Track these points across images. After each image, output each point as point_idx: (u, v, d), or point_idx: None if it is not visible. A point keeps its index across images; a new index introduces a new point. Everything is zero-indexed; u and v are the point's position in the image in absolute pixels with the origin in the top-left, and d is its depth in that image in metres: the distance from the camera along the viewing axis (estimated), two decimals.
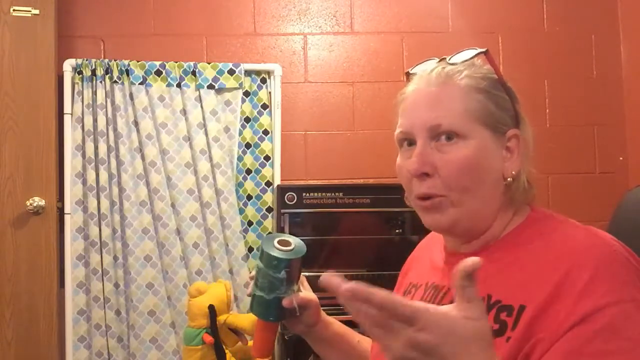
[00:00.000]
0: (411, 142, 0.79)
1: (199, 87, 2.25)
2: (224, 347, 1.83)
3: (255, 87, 2.34)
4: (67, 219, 2.16)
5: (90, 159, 2.18)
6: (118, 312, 2.16)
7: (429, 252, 0.94)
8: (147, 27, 2.37)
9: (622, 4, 2.50)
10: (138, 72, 2.22)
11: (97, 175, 2.17)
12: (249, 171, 2.33)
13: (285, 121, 2.37)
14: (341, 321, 1.00)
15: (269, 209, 2.33)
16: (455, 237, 0.82)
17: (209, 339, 1.81)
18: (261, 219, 2.32)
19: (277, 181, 2.33)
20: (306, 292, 0.95)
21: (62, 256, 2.15)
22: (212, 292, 1.86)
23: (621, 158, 2.47)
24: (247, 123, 2.34)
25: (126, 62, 2.22)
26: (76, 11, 2.34)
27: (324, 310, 0.98)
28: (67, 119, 2.19)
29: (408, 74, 0.86)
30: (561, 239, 0.71)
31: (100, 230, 2.16)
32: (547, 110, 2.47)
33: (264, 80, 2.36)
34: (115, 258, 2.16)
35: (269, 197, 2.33)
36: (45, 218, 2.10)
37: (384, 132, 2.36)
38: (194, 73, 2.25)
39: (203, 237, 2.21)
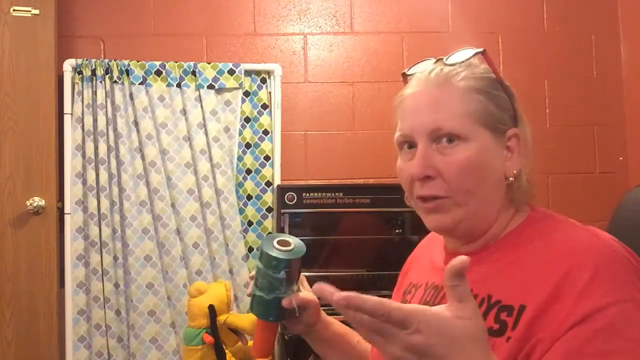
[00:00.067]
0: (411, 145, 0.79)
1: (199, 87, 2.25)
2: (224, 347, 1.83)
3: (255, 87, 2.34)
4: (67, 219, 2.16)
5: (90, 159, 2.18)
6: (118, 312, 2.16)
7: (429, 252, 0.94)
8: (147, 27, 2.37)
9: (622, 4, 2.50)
10: (138, 72, 2.22)
11: (97, 175, 2.17)
12: (249, 171, 2.33)
13: (285, 121, 2.37)
14: (341, 321, 1.00)
15: (269, 209, 2.33)
16: (457, 238, 0.81)
17: (209, 339, 1.81)
18: (261, 219, 2.32)
19: (277, 181, 2.33)
20: (306, 292, 0.95)
21: (62, 256, 2.15)
22: (212, 292, 1.86)
23: (621, 158, 2.47)
24: (247, 123, 2.34)
25: (126, 62, 2.22)
26: (76, 11, 2.34)
27: (323, 310, 0.98)
28: (67, 119, 2.19)
29: (405, 75, 0.86)
30: (561, 239, 0.71)
31: (100, 230, 2.16)
32: (547, 110, 2.47)
33: (264, 80, 2.36)
34: (115, 258, 2.16)
35: (269, 197, 2.33)
36: (45, 218, 2.10)
37: (384, 132, 2.36)
38: (194, 73, 2.25)
39: (203, 237, 2.21)
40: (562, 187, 2.42)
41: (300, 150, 2.40)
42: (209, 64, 2.28)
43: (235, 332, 1.82)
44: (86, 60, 2.20)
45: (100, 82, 2.19)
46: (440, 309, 0.56)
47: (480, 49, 0.80)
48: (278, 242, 0.86)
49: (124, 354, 2.16)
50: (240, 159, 2.32)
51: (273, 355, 2.10)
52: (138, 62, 2.23)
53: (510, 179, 0.78)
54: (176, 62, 2.25)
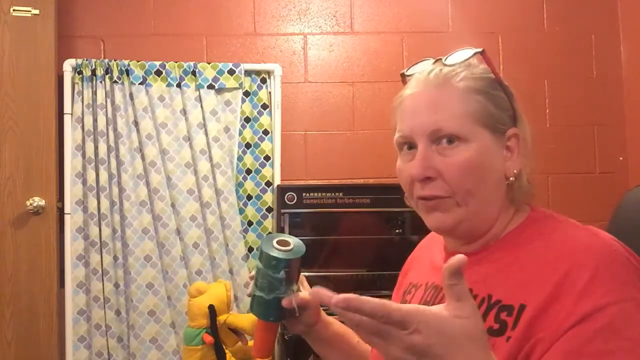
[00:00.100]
0: (411, 146, 0.79)
1: (199, 87, 2.25)
2: (224, 347, 1.83)
3: (255, 87, 2.34)
4: (67, 219, 2.16)
5: (90, 159, 2.18)
6: (118, 312, 2.16)
7: (429, 252, 0.94)
8: (147, 27, 2.37)
9: (622, 4, 2.50)
10: (138, 72, 2.22)
11: (97, 175, 2.17)
12: (249, 171, 2.33)
13: (285, 121, 2.37)
14: (340, 321, 1.00)
15: (269, 209, 2.33)
16: (457, 238, 0.81)
17: (209, 339, 1.81)
18: (261, 219, 2.32)
19: (277, 181, 2.33)
20: (306, 292, 0.95)
21: (62, 256, 2.15)
22: (212, 292, 1.86)
23: (621, 158, 2.47)
24: (247, 123, 2.34)
25: (126, 62, 2.22)
26: (76, 11, 2.34)
27: (323, 310, 0.98)
28: (67, 119, 2.19)
29: (403, 76, 0.86)
30: (561, 239, 0.71)
31: (100, 230, 2.16)
32: (547, 110, 2.47)
33: (264, 80, 2.36)
34: (115, 258, 2.16)
35: (269, 197, 2.33)
36: (45, 218, 2.10)
37: (384, 132, 2.36)
38: (194, 73, 2.25)
39: (203, 237, 2.21)
40: (562, 187, 2.42)
41: (300, 150, 2.40)
42: (209, 64, 2.28)
43: (235, 332, 1.82)
44: (86, 60, 2.20)
45: (100, 82, 2.19)
46: (438, 309, 0.56)
47: (479, 49, 0.79)
48: (278, 242, 0.86)
49: (124, 354, 2.16)
50: (240, 159, 2.32)
51: (273, 355, 2.10)
52: (138, 62, 2.23)
53: (511, 178, 0.78)
54: (176, 62, 2.25)
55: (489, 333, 0.69)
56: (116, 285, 2.16)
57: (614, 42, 2.51)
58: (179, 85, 2.25)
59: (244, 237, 2.27)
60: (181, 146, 2.23)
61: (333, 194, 2.24)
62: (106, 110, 2.19)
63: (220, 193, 2.23)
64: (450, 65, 0.79)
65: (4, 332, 2.07)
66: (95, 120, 2.19)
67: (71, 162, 2.17)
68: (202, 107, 2.25)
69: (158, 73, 2.24)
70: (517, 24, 2.48)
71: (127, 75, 2.21)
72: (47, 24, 2.13)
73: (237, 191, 2.28)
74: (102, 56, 2.33)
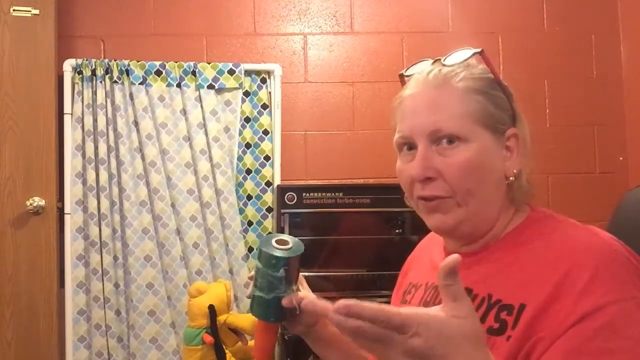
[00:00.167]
0: (411, 146, 0.79)
1: (199, 87, 2.25)
2: (224, 347, 1.83)
3: (255, 87, 2.34)
4: (67, 219, 2.16)
5: (90, 159, 2.18)
6: (118, 312, 2.16)
7: (428, 252, 0.94)
8: (147, 27, 2.37)
9: (622, 4, 2.50)
10: (138, 72, 2.22)
11: (97, 175, 2.17)
12: (249, 171, 2.33)
13: (285, 121, 2.37)
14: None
15: (269, 209, 2.33)
16: (458, 239, 0.81)
17: (209, 339, 1.81)
18: (261, 219, 2.32)
19: (277, 181, 2.33)
20: (305, 292, 0.95)
21: (62, 256, 2.15)
22: (212, 292, 1.86)
23: (621, 158, 2.47)
24: (247, 123, 2.34)
25: (126, 62, 2.22)
26: (76, 11, 2.34)
27: None
28: (67, 119, 2.19)
29: (402, 76, 0.85)
30: (561, 239, 0.71)
31: (100, 230, 2.16)
32: (547, 110, 2.47)
33: (264, 80, 2.36)
34: (115, 258, 2.16)
35: (269, 197, 2.33)
36: (45, 218, 2.10)
37: (384, 132, 2.36)
38: (194, 73, 2.25)
39: (203, 237, 2.21)
40: (562, 187, 2.42)
41: (300, 150, 2.40)
42: (209, 64, 2.28)
43: (235, 332, 1.82)
44: (86, 60, 2.20)
45: (100, 82, 2.19)
46: (435, 311, 0.56)
47: (478, 49, 0.80)
48: (276, 242, 0.87)
49: (124, 354, 2.16)
50: (240, 159, 2.32)
51: (273, 356, 2.10)
52: (138, 62, 2.23)
53: (511, 178, 0.78)
54: (176, 62, 2.25)
55: (489, 332, 0.69)
56: (116, 285, 2.16)
57: (614, 42, 2.51)
58: (179, 85, 2.25)
59: (244, 237, 2.27)
60: (181, 146, 2.23)
61: (333, 194, 2.24)
62: (106, 110, 2.19)
63: (220, 193, 2.23)
64: (449, 66, 0.79)
65: (4, 332, 2.07)
66: (95, 120, 2.19)
67: (71, 162, 2.17)
68: (202, 107, 2.25)
69: (158, 73, 2.24)
70: (517, 24, 2.48)
71: (127, 75, 2.21)
72: (47, 24, 2.13)
73: (237, 191, 2.28)
74: (102, 56, 2.33)
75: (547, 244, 0.72)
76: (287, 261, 0.84)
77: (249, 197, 2.33)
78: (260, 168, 2.34)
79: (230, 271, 2.23)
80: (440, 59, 0.80)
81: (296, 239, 0.89)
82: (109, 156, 2.18)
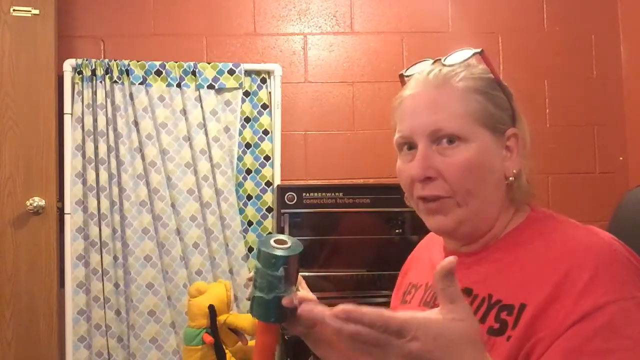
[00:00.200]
0: (411, 146, 0.79)
1: (199, 87, 2.25)
2: (224, 347, 1.83)
3: (255, 87, 2.34)
4: (67, 219, 2.16)
5: (90, 159, 2.18)
6: (118, 312, 2.16)
7: (428, 252, 0.94)
8: (147, 27, 2.37)
9: (622, 4, 2.50)
10: (138, 72, 2.22)
11: (97, 175, 2.17)
12: (249, 171, 2.33)
13: (285, 121, 2.37)
14: None
15: (269, 209, 2.33)
16: (458, 239, 0.81)
17: (209, 339, 1.81)
18: (261, 219, 2.32)
19: (277, 181, 2.33)
20: (305, 292, 0.95)
21: (62, 256, 2.15)
22: (212, 292, 1.86)
23: (621, 158, 2.47)
24: (247, 123, 2.34)
25: (126, 62, 2.22)
26: (76, 11, 2.34)
27: None
28: (67, 119, 2.19)
29: (402, 76, 0.85)
30: (561, 239, 0.71)
31: (100, 230, 2.16)
32: (547, 110, 2.47)
33: (264, 80, 2.36)
34: (115, 258, 2.16)
35: (269, 197, 2.33)
36: (45, 218, 2.10)
37: (384, 132, 2.36)
38: (194, 73, 2.25)
39: (203, 237, 2.21)
40: (562, 187, 2.42)
41: (300, 150, 2.40)
42: (209, 64, 2.28)
43: (235, 332, 1.82)
44: (86, 60, 2.20)
45: (100, 82, 2.19)
46: (432, 314, 0.56)
47: (478, 49, 0.80)
48: (275, 242, 0.87)
49: (124, 354, 2.16)
50: (240, 159, 2.32)
51: (273, 357, 2.10)
52: (138, 62, 2.23)
53: (510, 178, 0.78)
54: (176, 62, 2.25)
55: (489, 333, 0.69)
56: (116, 285, 2.16)
57: (614, 42, 2.51)
58: (179, 85, 2.25)
59: (244, 237, 2.27)
60: (181, 146, 2.23)
61: (333, 194, 2.24)
62: (106, 110, 2.19)
63: (220, 193, 2.23)
64: (449, 66, 0.79)
65: (4, 332, 2.07)
66: (95, 120, 2.19)
67: (71, 162, 2.17)
68: (202, 107, 2.25)
69: (158, 73, 2.24)
70: (517, 24, 2.48)
71: (127, 75, 2.21)
72: (47, 24, 2.13)
73: (237, 191, 2.28)
74: (102, 56, 2.33)
75: (547, 244, 0.72)
76: (287, 260, 0.84)
77: (249, 197, 2.33)
78: (260, 168, 2.34)
79: (230, 271, 2.23)
80: (440, 59, 0.80)
81: (295, 238, 0.89)
82: (109, 156, 2.18)
